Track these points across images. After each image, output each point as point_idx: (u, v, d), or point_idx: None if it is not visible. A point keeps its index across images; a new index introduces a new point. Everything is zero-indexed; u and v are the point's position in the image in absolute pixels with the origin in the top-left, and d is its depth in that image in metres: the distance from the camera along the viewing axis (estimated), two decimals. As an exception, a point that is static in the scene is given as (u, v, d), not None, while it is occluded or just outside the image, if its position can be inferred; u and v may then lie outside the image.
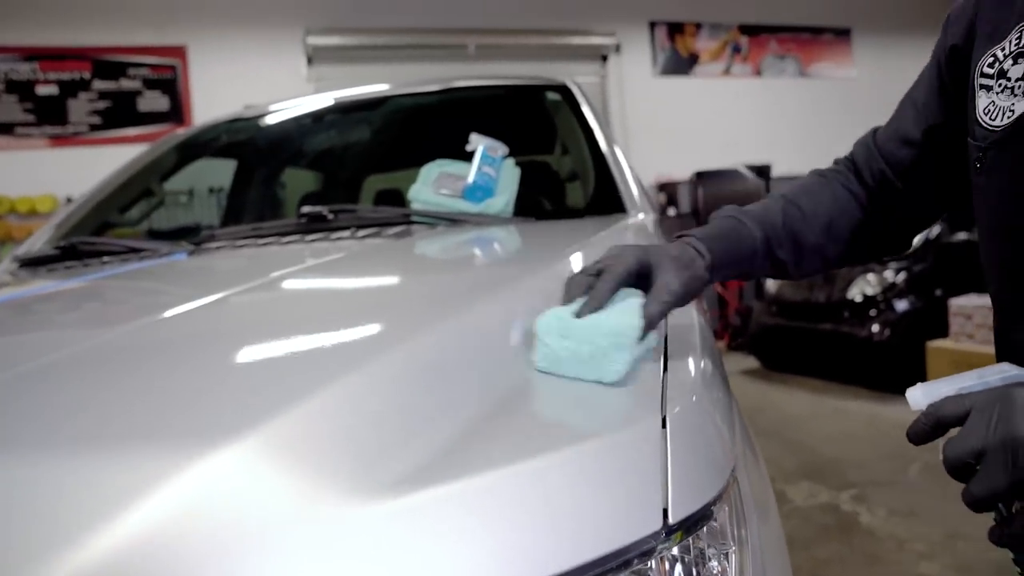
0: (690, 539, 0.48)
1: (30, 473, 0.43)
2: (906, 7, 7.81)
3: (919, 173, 0.80)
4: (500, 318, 0.66)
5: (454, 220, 1.39)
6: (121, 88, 5.52)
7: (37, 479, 0.42)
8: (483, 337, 0.63)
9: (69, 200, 4.86)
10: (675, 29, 6.96)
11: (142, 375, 0.55)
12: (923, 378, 0.86)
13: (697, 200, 1.77)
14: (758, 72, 7.28)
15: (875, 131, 0.86)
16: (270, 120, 2.16)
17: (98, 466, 0.43)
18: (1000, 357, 0.70)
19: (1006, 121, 0.64)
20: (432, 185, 1.45)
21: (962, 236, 4.76)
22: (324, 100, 2.13)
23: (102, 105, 5.49)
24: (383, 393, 0.51)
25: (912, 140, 0.79)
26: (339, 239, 1.30)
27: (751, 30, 7.20)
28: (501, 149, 1.52)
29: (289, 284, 0.83)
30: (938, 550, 2.48)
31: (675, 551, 0.47)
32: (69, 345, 0.64)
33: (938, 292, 4.58)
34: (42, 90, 5.42)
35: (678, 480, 0.49)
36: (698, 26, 7.03)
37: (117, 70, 5.50)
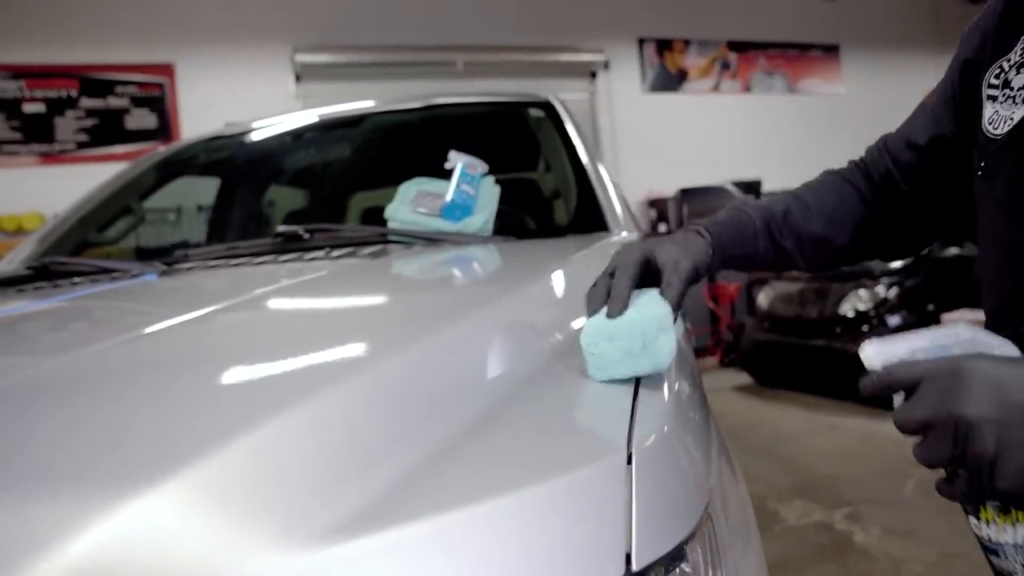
0: (658, 585, 0.44)
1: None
2: (895, 24, 7.88)
3: (923, 177, 0.81)
4: (463, 345, 0.63)
5: (432, 239, 1.36)
6: (109, 106, 5.50)
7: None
8: (443, 366, 0.59)
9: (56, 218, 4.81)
10: (664, 46, 6.99)
11: (72, 409, 0.51)
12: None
13: (682, 217, 1.75)
14: (747, 88, 7.31)
15: (887, 135, 0.88)
16: (250, 138, 2.14)
17: (4, 515, 0.39)
18: None
19: (1007, 128, 0.65)
20: (410, 204, 1.42)
21: (953, 251, 4.75)
22: (305, 117, 2.11)
23: (89, 123, 5.46)
24: (327, 429, 0.47)
25: (917, 145, 0.81)
26: (313, 259, 1.27)
27: (740, 46, 7.24)
28: (480, 167, 1.50)
29: (247, 310, 0.79)
30: (935, 570, 2.44)
31: (640, 599, 0.43)
32: (5, 374, 0.61)
33: (930, 307, 4.57)
34: (29, 108, 5.39)
35: (644, 521, 0.45)
36: (687, 43, 7.06)
37: (104, 88, 5.48)
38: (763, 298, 5.41)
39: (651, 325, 0.63)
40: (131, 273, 1.33)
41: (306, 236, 1.40)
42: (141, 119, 5.55)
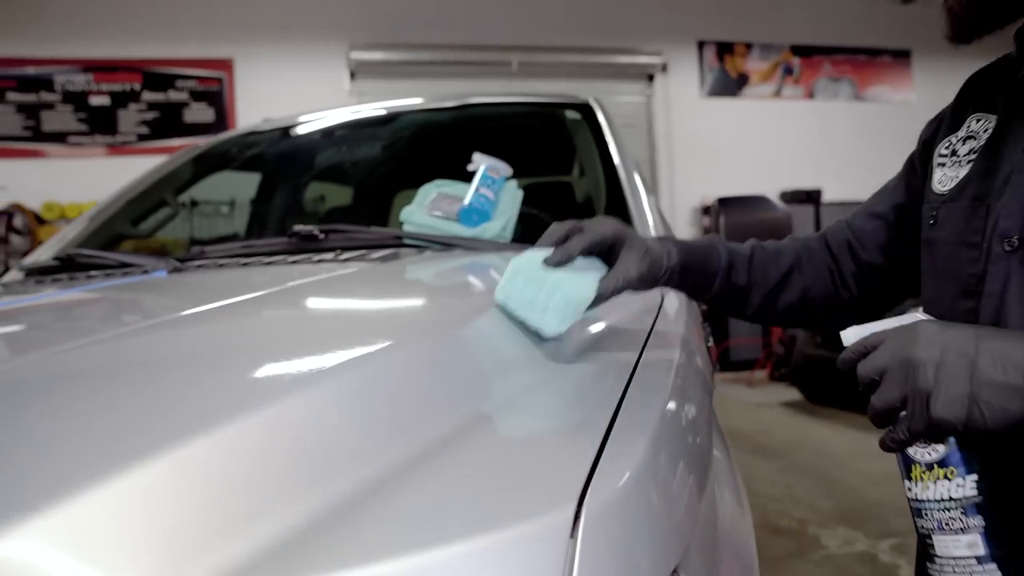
0: None
1: None
2: (970, 29, 7.50)
3: (882, 243, 0.92)
4: (406, 371, 0.57)
5: (446, 244, 1.31)
6: (169, 99, 5.64)
7: None
8: (393, 389, 0.54)
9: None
10: (725, 49, 6.81)
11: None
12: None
13: (718, 228, 1.66)
14: (810, 94, 7.07)
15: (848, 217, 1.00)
16: (285, 134, 2.13)
17: None
18: None
19: (953, 184, 0.78)
20: (426, 207, 1.37)
21: None
22: (338, 115, 2.08)
23: (150, 116, 5.61)
24: (234, 460, 0.42)
25: (879, 214, 0.92)
26: (320, 261, 1.24)
27: (804, 51, 7.00)
28: (504, 170, 1.44)
29: (213, 320, 0.75)
30: (984, 613, 2.28)
31: None
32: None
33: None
34: (95, 100, 5.57)
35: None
36: (748, 46, 6.86)
37: (166, 82, 5.62)
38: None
39: (559, 301, 0.67)
40: (143, 269, 1.32)
41: (321, 236, 1.37)
42: (199, 113, 5.68)
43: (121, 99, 5.58)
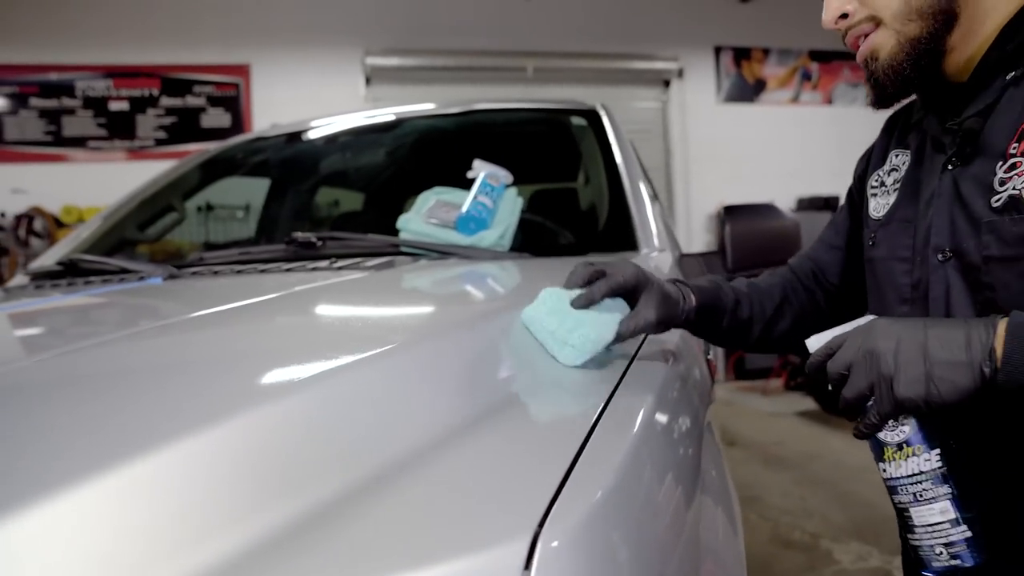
0: None
1: None
2: (994, 35, 7.39)
3: (841, 269, 1.04)
4: (391, 381, 0.55)
5: (443, 252, 1.29)
6: (187, 104, 5.68)
7: None
8: (362, 405, 0.52)
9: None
10: (741, 55, 6.75)
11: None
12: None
13: (724, 237, 1.63)
14: (829, 100, 6.99)
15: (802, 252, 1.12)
16: (293, 139, 2.13)
17: None
18: None
19: (885, 211, 0.91)
20: (424, 214, 1.36)
21: None
22: (345, 121, 2.08)
23: (168, 121, 5.66)
24: (184, 477, 0.40)
25: (836, 245, 1.05)
26: (315, 269, 1.23)
27: (823, 56, 6.92)
28: (504, 178, 1.42)
29: (208, 323, 0.75)
30: (1000, 632, 2.22)
31: None
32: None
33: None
34: (114, 106, 5.62)
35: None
36: (766, 52, 6.80)
37: (183, 87, 5.67)
38: (834, 321, 5.14)
39: (580, 338, 0.71)
40: (140, 275, 1.32)
41: (319, 243, 1.37)
42: (216, 118, 5.72)
43: (140, 104, 5.63)
